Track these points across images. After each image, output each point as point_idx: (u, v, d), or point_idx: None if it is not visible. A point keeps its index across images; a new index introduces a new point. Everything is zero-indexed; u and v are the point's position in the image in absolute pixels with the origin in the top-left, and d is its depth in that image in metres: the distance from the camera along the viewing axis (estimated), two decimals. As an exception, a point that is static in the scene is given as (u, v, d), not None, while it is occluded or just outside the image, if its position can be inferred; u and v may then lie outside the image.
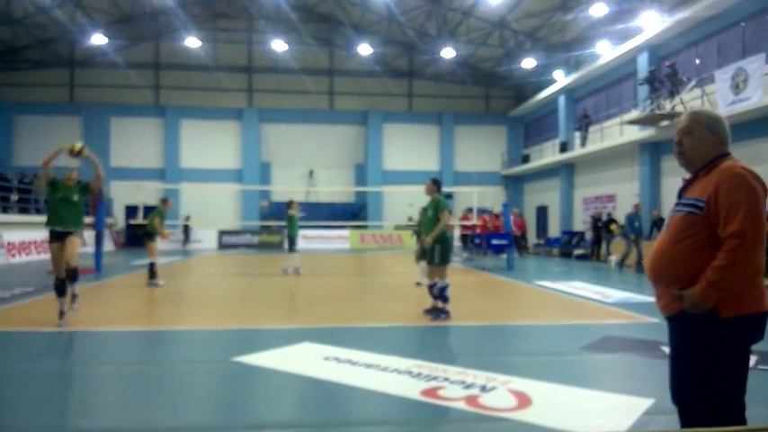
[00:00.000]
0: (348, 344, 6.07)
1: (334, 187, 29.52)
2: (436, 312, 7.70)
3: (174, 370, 5.38)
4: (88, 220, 21.18)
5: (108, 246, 22.05)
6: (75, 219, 7.33)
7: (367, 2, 25.26)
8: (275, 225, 28.40)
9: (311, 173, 29.99)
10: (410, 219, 27.68)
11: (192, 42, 26.03)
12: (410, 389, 4.55)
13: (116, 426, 3.87)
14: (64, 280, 7.17)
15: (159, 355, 6.17)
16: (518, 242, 21.29)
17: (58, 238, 7.17)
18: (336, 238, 27.52)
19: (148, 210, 27.33)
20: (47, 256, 7.28)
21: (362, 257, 21.83)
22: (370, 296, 11.08)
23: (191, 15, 26.97)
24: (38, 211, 21.73)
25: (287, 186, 29.32)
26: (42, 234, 16.58)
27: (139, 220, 22.42)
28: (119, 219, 28.02)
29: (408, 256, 22.99)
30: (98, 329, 7.19)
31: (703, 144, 2.56)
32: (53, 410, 4.22)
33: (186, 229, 27.05)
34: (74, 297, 7.33)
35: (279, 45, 26.38)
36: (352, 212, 29.47)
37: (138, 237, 26.98)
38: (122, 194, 27.48)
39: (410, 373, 5.00)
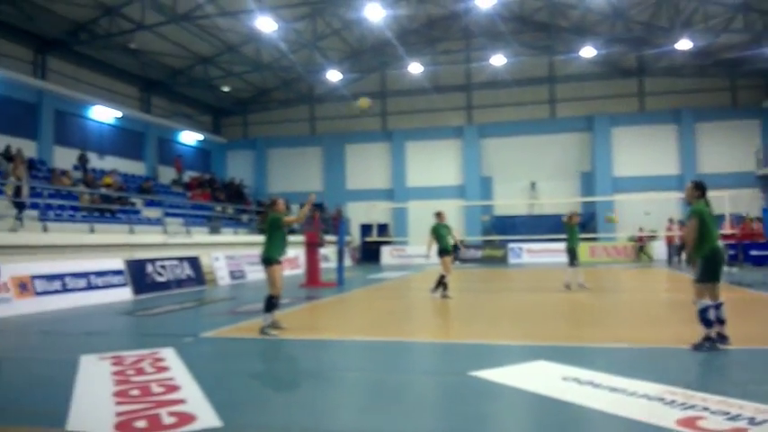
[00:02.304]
0: (588, 364, 5.75)
1: (559, 198, 28.45)
2: (701, 344, 6.55)
3: (412, 381, 5.63)
4: (331, 238, 23.57)
5: (347, 261, 24.14)
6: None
7: (586, 2, 24.10)
8: (498, 239, 28.45)
9: (533, 185, 29.35)
10: (640, 229, 25.48)
11: (415, 68, 27.46)
12: (663, 417, 4.14)
13: (359, 429, 4.18)
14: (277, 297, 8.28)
15: (397, 365, 6.53)
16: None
17: (278, 263, 8.28)
18: (563, 252, 26.40)
19: (381, 228, 29.29)
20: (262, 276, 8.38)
21: (595, 272, 20.59)
22: (610, 313, 10.40)
23: (411, 44, 28.49)
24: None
25: (509, 200, 29.13)
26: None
27: (374, 237, 24.40)
28: (355, 236, 30.52)
29: (646, 269, 21.19)
30: (342, 338, 7.89)
31: None
32: (302, 411, 4.73)
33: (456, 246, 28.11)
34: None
35: (497, 59, 26.49)
36: (580, 224, 27.99)
37: (371, 252, 29.39)
38: (357, 214, 29.96)
39: (662, 399, 4.56)
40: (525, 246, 27.34)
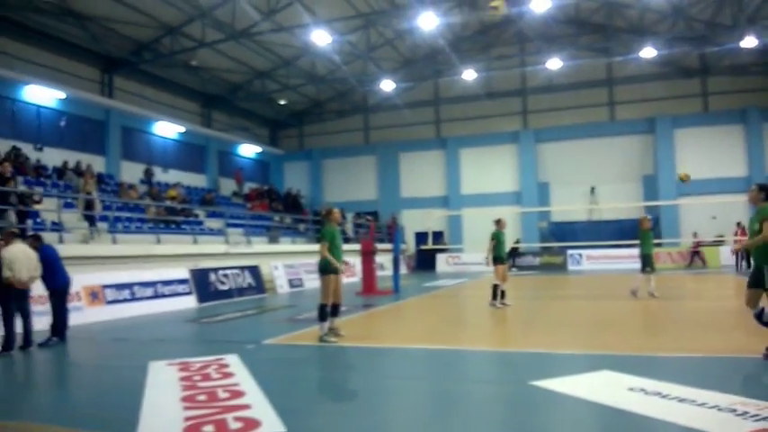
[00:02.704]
0: (655, 374, 5.57)
1: (620, 203, 27.60)
2: None
3: (472, 390, 5.61)
4: (386, 246, 23.68)
5: (402, 269, 24.18)
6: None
7: (645, 2, 23.42)
8: (556, 246, 27.84)
9: (593, 189, 28.60)
10: (695, 234, 24.47)
11: (468, 75, 27.36)
12: (735, 429, 4.00)
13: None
14: (337, 306, 8.52)
15: (456, 373, 6.49)
16: None
17: (335, 272, 8.41)
18: (625, 258, 25.60)
19: (437, 235, 29.17)
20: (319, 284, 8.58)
21: (659, 279, 19.82)
22: (676, 321, 10.01)
23: (464, 50, 28.39)
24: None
25: (567, 205, 28.50)
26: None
27: (429, 245, 24.34)
28: (410, 245, 30.55)
29: (713, 276, 20.26)
30: (400, 346, 7.91)
31: None
32: (363, 419, 4.76)
33: (513, 252, 27.84)
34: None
35: (553, 63, 26.08)
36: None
37: (426, 260, 29.34)
38: (412, 222, 29.99)
39: (734, 410, 4.39)
40: (585, 252, 26.66)
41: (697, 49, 26.12)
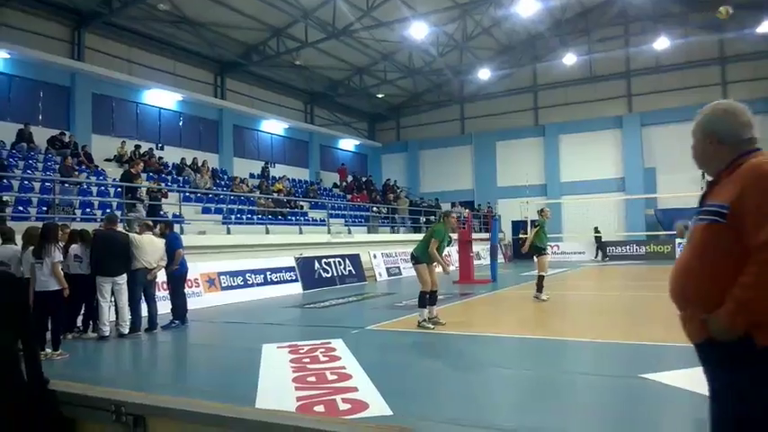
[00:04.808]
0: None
1: (735, 189, 25.66)
2: None
3: (577, 381, 5.60)
4: (485, 235, 23.61)
5: (499, 259, 23.98)
6: None
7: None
8: (663, 234, 26.42)
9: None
10: None
11: (569, 59, 26.51)
12: None
13: (526, 426, 4.32)
14: (435, 292, 8.85)
15: (558, 363, 6.52)
16: None
17: (426, 263, 8.77)
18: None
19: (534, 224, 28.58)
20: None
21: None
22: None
23: (564, 34, 27.51)
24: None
25: (675, 192, 26.96)
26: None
27: (527, 234, 23.91)
28: (507, 234, 30.17)
29: None
30: (498, 334, 8.02)
31: (703, 146, 2.29)
32: (465, 404, 4.96)
33: (598, 241, 27.22)
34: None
35: (661, 43, 24.67)
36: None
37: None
38: (509, 211, 29.57)
39: None
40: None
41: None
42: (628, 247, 26.74)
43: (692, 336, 2.17)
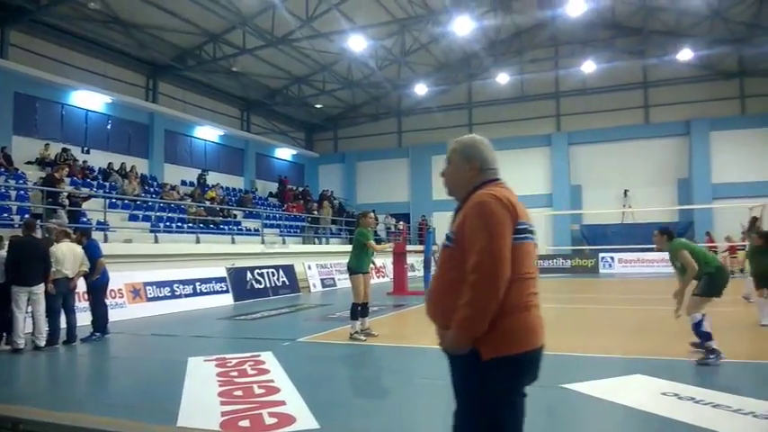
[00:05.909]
0: (689, 379, 5.60)
1: (653, 206, 27.15)
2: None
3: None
4: (419, 247, 23.82)
5: (433, 270, 24.23)
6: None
7: (682, 4, 23.05)
8: (587, 248, 27.50)
9: (626, 192, 28.20)
10: (727, 238, 23.92)
11: (502, 78, 27.30)
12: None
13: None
14: (366, 304, 8.82)
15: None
16: None
17: (363, 273, 8.84)
18: (658, 261, 25.14)
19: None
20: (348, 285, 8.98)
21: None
22: (715, 327, 9.90)
23: (498, 54, 28.36)
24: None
25: (599, 209, 28.19)
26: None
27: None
28: (440, 246, 30.54)
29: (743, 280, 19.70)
30: (429, 346, 8.06)
31: (458, 172, 2.44)
32: (393, 416, 4.92)
33: None
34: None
35: (587, 66, 25.85)
36: (677, 233, 26.52)
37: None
38: (443, 224, 29.72)
39: (770, 417, 4.40)
40: (617, 255, 26.30)
41: (735, 50, 25.58)
42: (554, 260, 27.65)
43: (441, 346, 2.37)
